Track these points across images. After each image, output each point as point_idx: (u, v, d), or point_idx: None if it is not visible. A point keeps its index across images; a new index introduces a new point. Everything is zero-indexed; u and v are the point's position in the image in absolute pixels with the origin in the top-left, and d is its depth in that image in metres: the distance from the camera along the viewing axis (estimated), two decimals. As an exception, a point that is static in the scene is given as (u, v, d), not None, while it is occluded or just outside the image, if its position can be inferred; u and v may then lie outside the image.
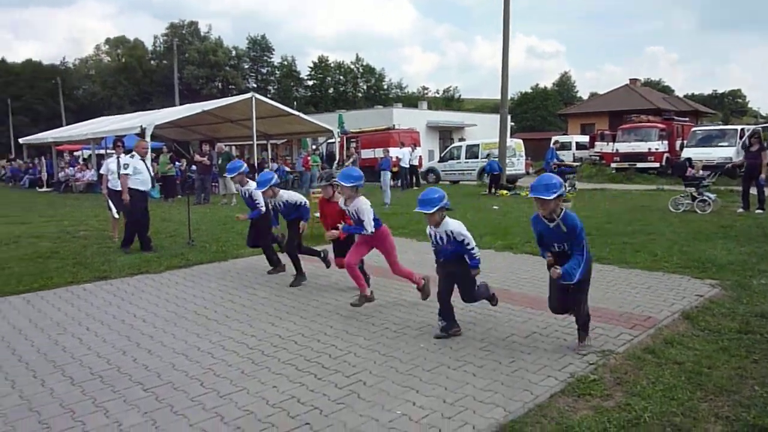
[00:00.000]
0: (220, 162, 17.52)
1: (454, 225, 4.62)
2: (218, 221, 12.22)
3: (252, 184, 7.14)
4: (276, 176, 6.78)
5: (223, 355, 4.40)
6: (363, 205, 5.44)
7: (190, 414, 3.43)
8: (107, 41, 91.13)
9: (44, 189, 25.36)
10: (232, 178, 7.46)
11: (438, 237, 4.66)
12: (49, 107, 72.47)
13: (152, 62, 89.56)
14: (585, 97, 77.63)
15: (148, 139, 18.80)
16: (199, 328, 5.09)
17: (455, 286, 4.77)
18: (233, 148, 32.21)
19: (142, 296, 6.24)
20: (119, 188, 8.74)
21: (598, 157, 28.03)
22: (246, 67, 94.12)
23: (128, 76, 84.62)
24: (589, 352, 4.27)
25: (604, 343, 4.47)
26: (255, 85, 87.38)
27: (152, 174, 9.27)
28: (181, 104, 33.98)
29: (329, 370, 4.08)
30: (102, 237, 10.08)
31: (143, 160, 8.80)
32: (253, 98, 21.22)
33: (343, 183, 5.44)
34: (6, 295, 6.31)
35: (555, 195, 4.02)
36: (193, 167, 20.56)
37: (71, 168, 26.03)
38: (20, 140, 31.69)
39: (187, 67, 79.15)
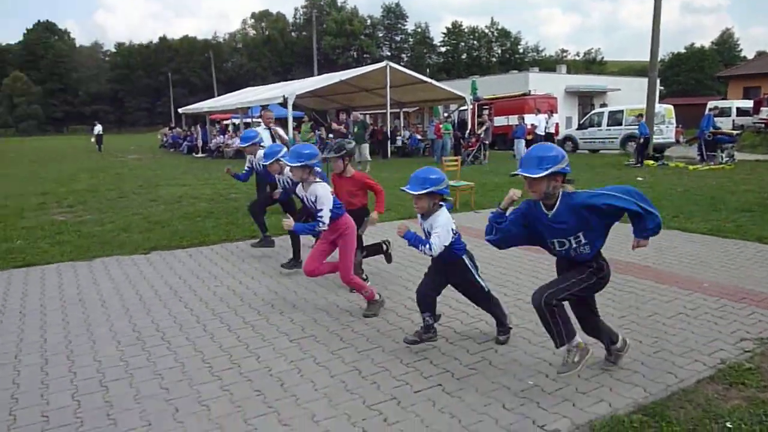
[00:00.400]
0: (355, 130, 18.07)
1: (441, 220, 3.66)
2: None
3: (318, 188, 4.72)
4: (284, 149, 5.63)
5: (360, 314, 4.64)
6: (321, 191, 4.46)
7: (330, 366, 3.68)
8: (252, 15, 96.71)
9: (200, 155, 27.81)
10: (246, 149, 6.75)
11: (425, 231, 3.79)
12: (203, 79, 79.14)
13: (293, 34, 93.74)
14: (750, 56, 69.04)
15: (289, 108, 19.92)
16: (339, 287, 5.39)
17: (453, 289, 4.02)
18: (367, 116, 33.03)
19: (287, 255, 6.70)
20: None
21: (763, 125, 25.00)
22: (380, 35, 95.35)
23: (271, 48, 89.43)
24: (743, 339, 3.93)
25: (763, 331, 4.08)
26: (389, 53, 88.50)
27: (281, 141, 9.29)
28: (318, 74, 35.37)
29: (460, 335, 4.16)
30: (249, 199, 10.88)
31: (268, 129, 9.24)
32: (388, 66, 21.52)
33: (289, 163, 4.51)
34: (172, 249, 7.12)
35: (547, 171, 2.97)
36: (330, 135, 21.41)
37: (222, 136, 28.26)
38: (179, 110, 35.09)
39: (325, 37, 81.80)
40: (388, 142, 23.45)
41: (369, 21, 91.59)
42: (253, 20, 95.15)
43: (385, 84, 21.83)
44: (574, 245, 3.12)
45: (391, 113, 24.44)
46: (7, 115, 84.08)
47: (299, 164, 4.48)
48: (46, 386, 3.48)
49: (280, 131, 9.38)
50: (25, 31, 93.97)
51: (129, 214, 9.52)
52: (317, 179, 4.62)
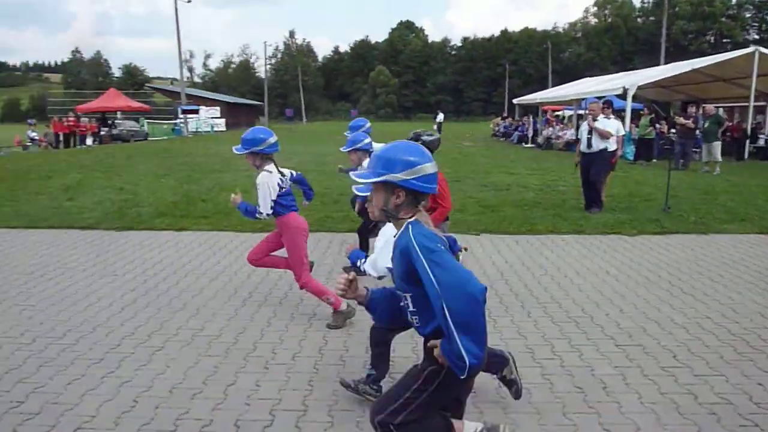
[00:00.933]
0: (706, 125, 15.95)
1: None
2: (699, 190, 11.25)
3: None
4: (368, 138, 5.36)
5: (699, 333, 4.14)
6: (260, 179, 4.14)
7: (660, 382, 3.40)
8: (596, 3, 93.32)
9: (528, 145, 28.26)
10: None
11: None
12: (539, 70, 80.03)
13: (638, 20, 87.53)
14: None
15: (628, 100, 18.66)
16: (673, 299, 4.91)
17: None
18: (720, 110, 28.78)
19: (615, 255, 6.39)
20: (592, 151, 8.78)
21: None
22: (747, 16, 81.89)
23: (612, 36, 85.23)
24: None
25: None
26: (757, 37, 75.47)
27: (601, 136, 8.59)
28: (665, 63, 32.19)
29: (838, 385, 3.37)
30: (578, 193, 10.61)
31: (594, 120, 8.61)
32: (757, 52, 18.34)
33: (236, 152, 4.19)
34: (500, 234, 7.45)
35: (378, 178, 2.02)
36: (673, 130, 19.37)
37: (550, 128, 28.14)
38: (513, 100, 36.16)
39: (676, 22, 74.10)
40: (747, 141, 20.04)
41: (734, 0, 79.24)
42: (595, 8, 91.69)
43: (749, 73, 18.63)
44: (408, 307, 2.13)
45: (754, 107, 20.78)
46: (369, 103, 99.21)
47: (246, 151, 4.15)
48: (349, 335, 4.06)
49: (602, 126, 8.45)
50: (390, 30, 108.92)
51: (463, 197, 10.28)
52: (267, 168, 4.19)
